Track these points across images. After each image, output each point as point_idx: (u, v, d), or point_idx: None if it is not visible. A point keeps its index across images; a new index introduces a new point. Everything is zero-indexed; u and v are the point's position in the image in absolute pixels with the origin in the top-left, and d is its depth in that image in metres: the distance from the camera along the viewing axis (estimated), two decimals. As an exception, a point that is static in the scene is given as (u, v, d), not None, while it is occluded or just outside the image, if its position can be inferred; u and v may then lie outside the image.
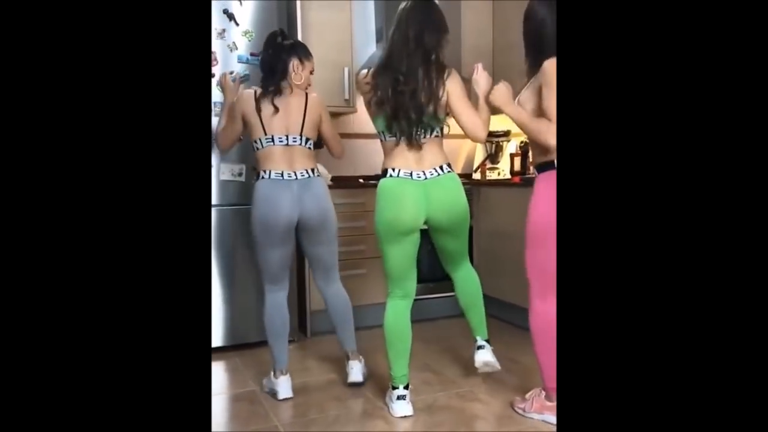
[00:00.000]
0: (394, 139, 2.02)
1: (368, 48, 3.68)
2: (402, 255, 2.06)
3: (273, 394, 2.26)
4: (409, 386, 2.11)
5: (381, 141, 2.10)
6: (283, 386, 2.24)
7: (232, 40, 2.79)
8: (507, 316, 3.21)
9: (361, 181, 3.41)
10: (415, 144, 2.01)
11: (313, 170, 2.27)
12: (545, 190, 1.90)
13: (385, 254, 2.08)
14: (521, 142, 3.56)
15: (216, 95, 2.71)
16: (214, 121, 2.59)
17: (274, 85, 2.21)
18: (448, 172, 2.07)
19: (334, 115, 3.33)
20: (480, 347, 2.24)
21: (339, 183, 3.14)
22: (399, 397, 2.07)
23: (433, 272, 2.99)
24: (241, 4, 2.80)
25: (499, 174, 3.69)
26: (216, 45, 2.75)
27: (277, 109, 2.19)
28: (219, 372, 2.59)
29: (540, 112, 1.88)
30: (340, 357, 2.69)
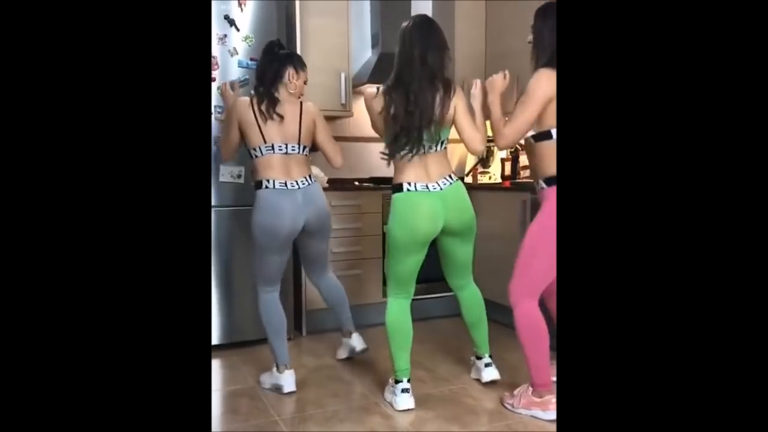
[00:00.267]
0: (407, 154, 2.10)
1: (364, 54, 3.76)
2: (414, 263, 2.18)
3: (277, 388, 2.34)
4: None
5: (393, 158, 2.15)
6: (288, 380, 2.33)
7: (233, 45, 2.85)
8: (495, 315, 3.29)
9: (356, 183, 3.48)
10: (425, 157, 2.11)
11: (309, 176, 2.36)
12: (553, 203, 1.95)
13: (397, 262, 2.16)
14: (512, 149, 3.66)
15: (216, 98, 2.78)
16: (214, 124, 2.67)
17: (268, 93, 2.27)
18: (456, 180, 2.19)
19: (331, 119, 3.40)
20: (487, 365, 2.38)
21: (335, 185, 3.22)
22: (403, 390, 2.16)
23: (427, 273, 3.07)
24: (242, 9, 2.87)
25: (490, 178, 3.78)
26: (217, 50, 2.82)
27: (281, 118, 2.26)
28: (217, 369, 2.65)
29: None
30: (336, 353, 2.77)
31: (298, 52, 3.02)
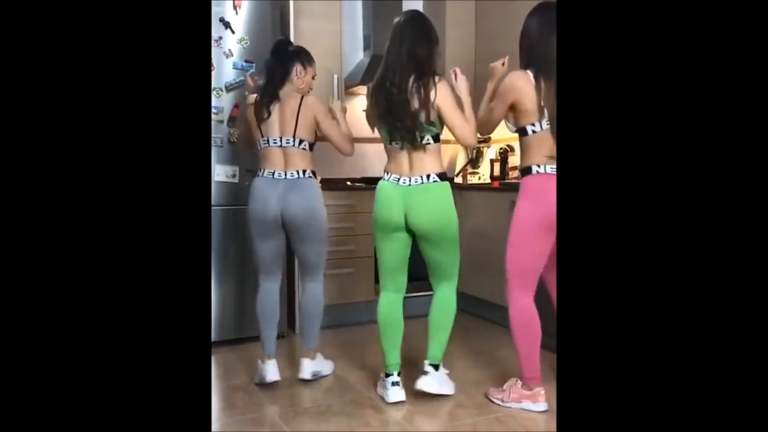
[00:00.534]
0: (395, 146, 2.17)
1: (356, 55, 3.82)
2: (391, 251, 2.24)
3: (261, 379, 2.39)
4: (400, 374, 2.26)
5: (384, 148, 2.25)
6: (271, 370, 2.38)
7: (228, 47, 2.90)
8: (486, 314, 3.38)
9: (348, 183, 3.54)
10: (408, 151, 2.15)
11: (304, 171, 2.37)
12: (527, 193, 2.09)
13: (377, 249, 2.29)
14: (500, 149, 3.74)
15: (215, 100, 2.85)
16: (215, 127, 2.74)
17: (273, 89, 2.34)
18: (434, 181, 2.15)
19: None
20: (425, 372, 2.22)
21: (327, 185, 3.27)
22: (393, 383, 2.22)
23: (415, 271, 3.14)
24: (236, 12, 2.92)
25: (479, 178, 3.85)
26: (212, 52, 2.86)
27: (269, 114, 2.33)
28: (212, 365, 2.70)
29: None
30: (328, 350, 2.83)
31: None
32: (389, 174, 2.21)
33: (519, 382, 2.18)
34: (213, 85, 2.86)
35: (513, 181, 3.47)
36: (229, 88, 2.90)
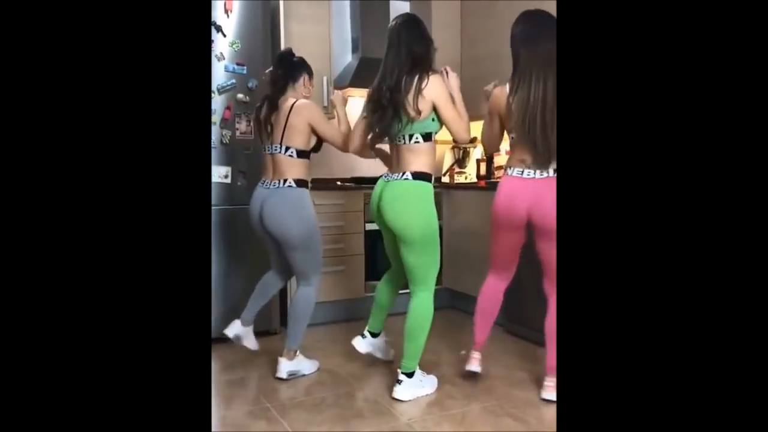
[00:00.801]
0: (391, 143, 2.27)
1: (345, 57, 3.89)
2: (386, 241, 2.44)
3: (237, 339, 2.63)
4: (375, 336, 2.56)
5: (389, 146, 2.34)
6: (232, 327, 2.62)
7: (219, 50, 2.96)
8: (473, 309, 3.46)
9: (338, 183, 3.61)
10: (398, 148, 2.23)
11: (286, 180, 2.38)
12: (498, 192, 2.31)
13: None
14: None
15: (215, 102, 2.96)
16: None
17: (271, 99, 2.42)
18: (406, 179, 2.17)
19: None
20: (398, 381, 2.26)
21: (318, 185, 3.34)
22: (361, 335, 2.54)
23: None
24: (228, 16, 2.98)
25: (466, 178, 3.95)
26: (205, 55, 2.93)
27: (265, 122, 2.43)
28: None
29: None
30: (321, 346, 2.91)
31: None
32: (386, 171, 2.34)
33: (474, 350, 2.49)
34: (205, 87, 2.93)
35: (498, 180, 3.57)
36: (221, 91, 2.96)
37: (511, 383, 2.44)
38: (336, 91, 2.64)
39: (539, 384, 2.34)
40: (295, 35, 3.38)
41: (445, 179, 4.00)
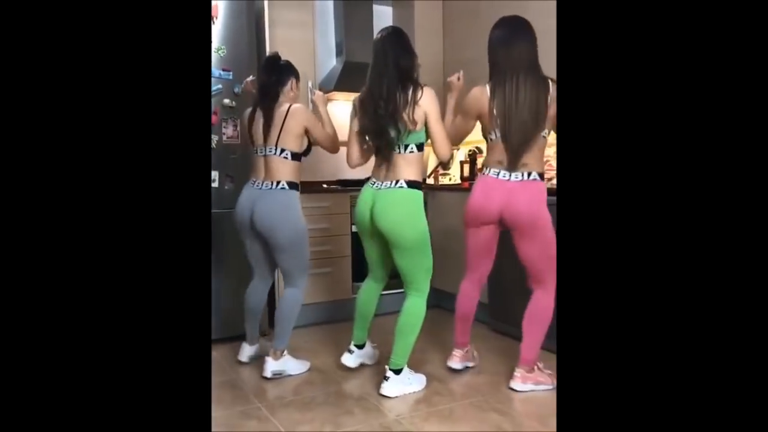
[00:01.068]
0: (380, 154, 2.32)
1: (329, 61, 3.94)
2: (369, 248, 2.48)
3: (239, 357, 2.73)
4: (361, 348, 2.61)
5: (374, 154, 2.40)
6: (244, 351, 2.73)
7: (206, 55, 2.99)
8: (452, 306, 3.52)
9: (325, 186, 3.66)
10: (388, 157, 2.27)
11: (279, 182, 2.45)
12: (474, 191, 2.39)
13: (363, 246, 2.52)
14: (470, 150, 3.90)
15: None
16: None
17: (267, 102, 2.47)
18: (401, 187, 2.24)
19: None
20: (386, 377, 2.33)
21: (304, 188, 3.37)
22: (348, 350, 2.59)
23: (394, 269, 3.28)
24: (213, 22, 3.01)
25: (450, 179, 4.01)
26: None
27: (259, 124, 2.48)
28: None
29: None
30: (309, 347, 2.95)
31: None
32: (372, 178, 2.37)
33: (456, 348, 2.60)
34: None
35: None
36: (208, 96, 3.00)
37: (496, 379, 2.50)
38: (317, 91, 2.71)
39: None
40: (280, 40, 3.42)
41: (430, 181, 4.06)
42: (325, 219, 3.40)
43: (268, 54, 2.67)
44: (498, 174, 2.28)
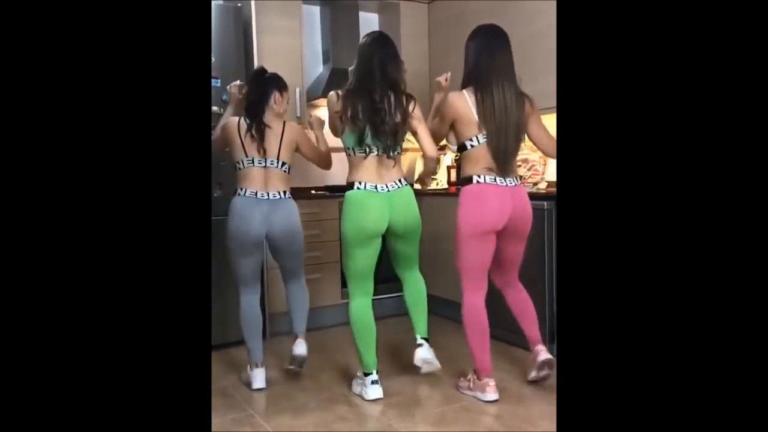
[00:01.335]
0: (362, 154, 2.30)
1: (316, 68, 3.96)
2: (366, 257, 2.36)
3: (248, 384, 2.52)
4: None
5: (348, 156, 2.37)
6: (258, 377, 2.52)
7: (193, 63, 2.99)
8: (446, 312, 3.55)
9: (313, 192, 3.67)
10: (379, 160, 2.31)
11: (284, 191, 2.55)
12: (468, 199, 2.32)
13: (351, 257, 2.37)
14: (456, 156, 3.94)
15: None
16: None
17: (257, 114, 2.48)
18: (405, 185, 2.40)
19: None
20: (419, 345, 2.42)
21: (293, 195, 3.38)
22: (373, 382, 2.37)
23: (382, 273, 3.29)
24: (201, 30, 3.02)
25: (437, 184, 4.05)
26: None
27: (258, 136, 2.47)
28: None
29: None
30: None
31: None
32: (362, 183, 2.32)
33: (473, 374, 2.38)
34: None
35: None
36: (195, 104, 3.00)
37: (486, 382, 2.52)
38: (314, 114, 2.79)
39: (516, 383, 2.45)
40: (268, 47, 3.43)
41: (417, 185, 4.08)
42: (315, 225, 3.41)
43: (255, 68, 2.67)
44: (495, 180, 2.28)
